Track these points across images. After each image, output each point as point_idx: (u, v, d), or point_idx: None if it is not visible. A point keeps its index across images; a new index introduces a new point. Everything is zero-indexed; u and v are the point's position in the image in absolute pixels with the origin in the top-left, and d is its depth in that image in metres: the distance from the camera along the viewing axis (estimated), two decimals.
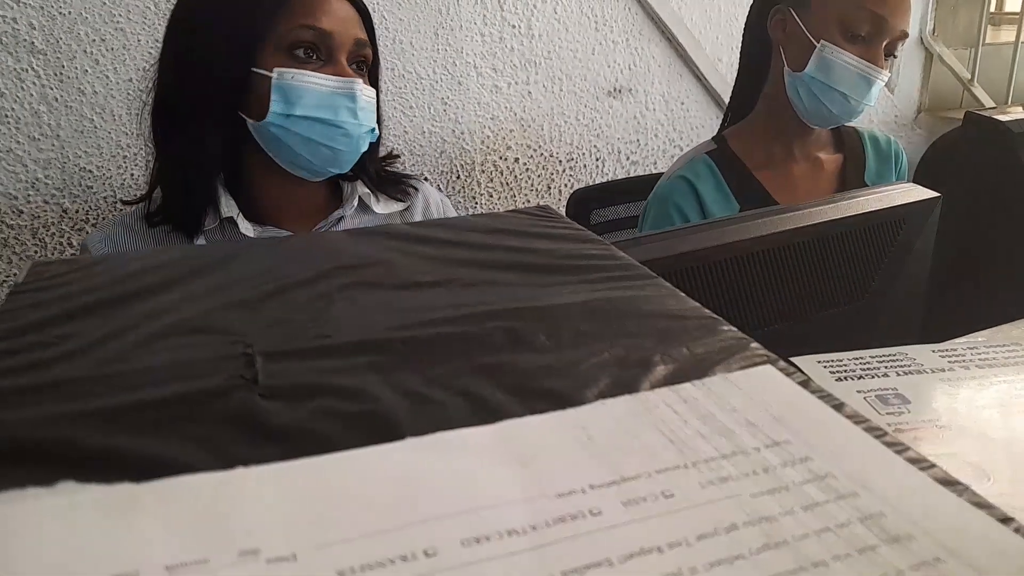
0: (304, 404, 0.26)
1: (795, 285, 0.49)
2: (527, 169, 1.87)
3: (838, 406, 0.26)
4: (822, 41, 0.99)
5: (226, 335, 0.30)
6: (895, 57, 1.02)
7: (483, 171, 1.81)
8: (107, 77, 1.38)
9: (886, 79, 1.00)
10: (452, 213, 1.07)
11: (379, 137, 0.98)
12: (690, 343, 0.30)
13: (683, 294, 0.35)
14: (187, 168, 0.86)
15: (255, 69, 0.82)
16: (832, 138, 1.13)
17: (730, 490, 0.22)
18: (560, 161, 1.91)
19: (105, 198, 1.42)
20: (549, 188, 1.92)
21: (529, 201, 1.89)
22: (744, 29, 1.14)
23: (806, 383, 0.28)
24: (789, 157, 1.09)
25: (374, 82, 0.93)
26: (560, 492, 0.22)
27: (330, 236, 0.41)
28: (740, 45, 1.14)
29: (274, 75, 0.81)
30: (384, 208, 0.99)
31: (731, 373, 0.28)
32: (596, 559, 0.20)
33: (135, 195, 1.03)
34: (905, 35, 0.99)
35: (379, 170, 1.00)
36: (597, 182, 1.94)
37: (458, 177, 1.79)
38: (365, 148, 0.89)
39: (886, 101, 2.37)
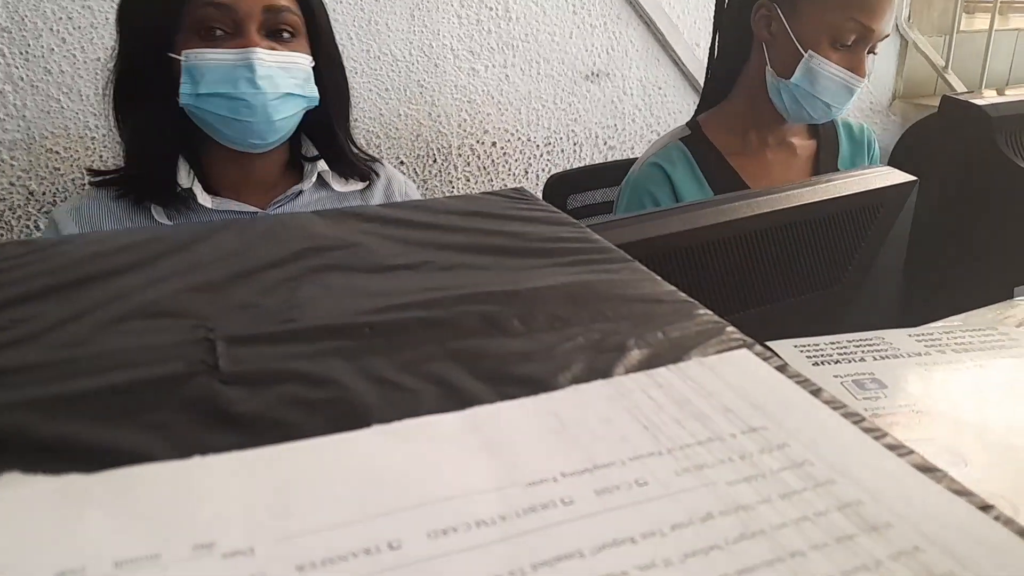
0: (267, 390, 0.25)
1: (771, 269, 0.49)
2: (504, 153, 1.86)
3: (815, 391, 0.26)
4: (810, 52, 0.99)
5: (188, 319, 0.29)
6: (875, 54, 1.02)
7: (460, 155, 1.80)
8: (74, 56, 1.35)
9: (862, 84, 1.01)
10: (415, 195, 1.07)
11: (342, 106, 0.97)
12: (665, 327, 0.30)
13: (659, 277, 0.34)
14: (137, 149, 0.90)
15: (171, 55, 0.84)
16: (806, 125, 1.13)
17: (706, 478, 0.22)
18: (537, 145, 1.90)
19: (73, 180, 1.40)
20: (526, 172, 1.91)
21: (506, 185, 1.87)
22: (721, 13, 1.12)
23: (783, 368, 0.27)
24: (763, 144, 1.09)
25: (317, 47, 0.91)
26: (531, 481, 0.21)
27: (299, 218, 0.40)
28: (713, 27, 1.13)
29: (183, 58, 0.84)
30: (343, 186, 0.99)
31: (707, 357, 0.28)
32: (567, 550, 0.19)
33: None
34: (887, 36, 1.00)
35: (347, 144, 0.99)
36: (574, 167, 1.93)
37: (435, 161, 1.77)
38: (281, 115, 0.87)
39: (861, 88, 2.37)
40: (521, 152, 1.88)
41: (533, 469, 0.22)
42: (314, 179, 0.96)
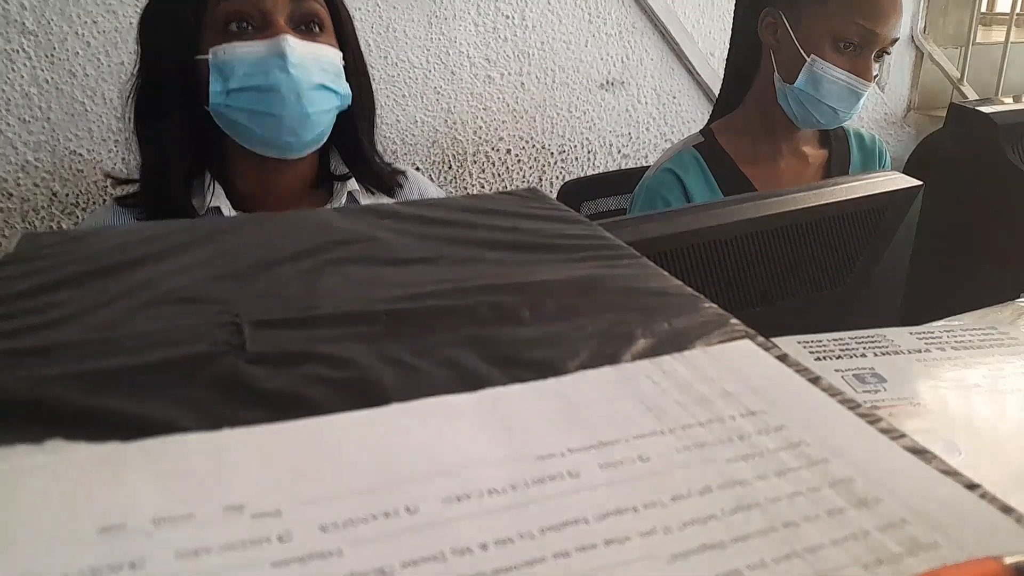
0: (290, 370, 0.26)
1: (777, 269, 0.50)
2: (519, 160, 1.88)
3: (814, 379, 0.27)
4: (812, 56, 1.01)
5: (214, 304, 0.31)
6: (888, 54, 1.03)
7: (475, 162, 1.82)
8: (98, 60, 1.38)
9: (869, 88, 1.02)
10: None
11: (368, 109, 0.95)
12: (671, 318, 0.31)
13: (666, 273, 0.35)
14: (155, 163, 0.87)
15: (199, 56, 0.82)
16: (818, 134, 1.15)
17: (705, 455, 0.23)
18: (552, 153, 1.92)
19: (95, 182, 1.42)
20: (540, 180, 1.92)
21: None
22: (733, 25, 1.14)
23: (783, 357, 0.28)
24: (776, 152, 1.10)
25: (343, 44, 0.89)
26: (540, 455, 0.23)
27: (319, 213, 0.42)
28: (729, 39, 1.15)
29: (210, 56, 0.81)
30: (373, 202, 0.96)
31: (710, 347, 0.29)
32: (573, 517, 0.20)
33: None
34: (896, 40, 1.01)
35: (372, 150, 0.97)
36: (588, 174, 1.95)
37: (450, 167, 1.79)
38: (314, 107, 0.84)
39: (876, 99, 2.38)
40: (535, 159, 1.90)
41: (542, 445, 0.23)
42: (343, 200, 0.93)
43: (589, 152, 1.97)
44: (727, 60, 1.15)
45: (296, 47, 0.82)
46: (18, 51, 1.32)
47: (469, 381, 0.26)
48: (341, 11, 0.90)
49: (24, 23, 1.31)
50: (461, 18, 1.71)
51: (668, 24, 1.93)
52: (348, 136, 0.94)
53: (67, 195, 1.41)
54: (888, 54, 1.03)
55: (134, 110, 0.88)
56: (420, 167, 1.74)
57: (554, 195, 1.53)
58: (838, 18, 0.99)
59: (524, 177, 1.89)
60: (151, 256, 0.35)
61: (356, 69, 0.91)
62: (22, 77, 1.33)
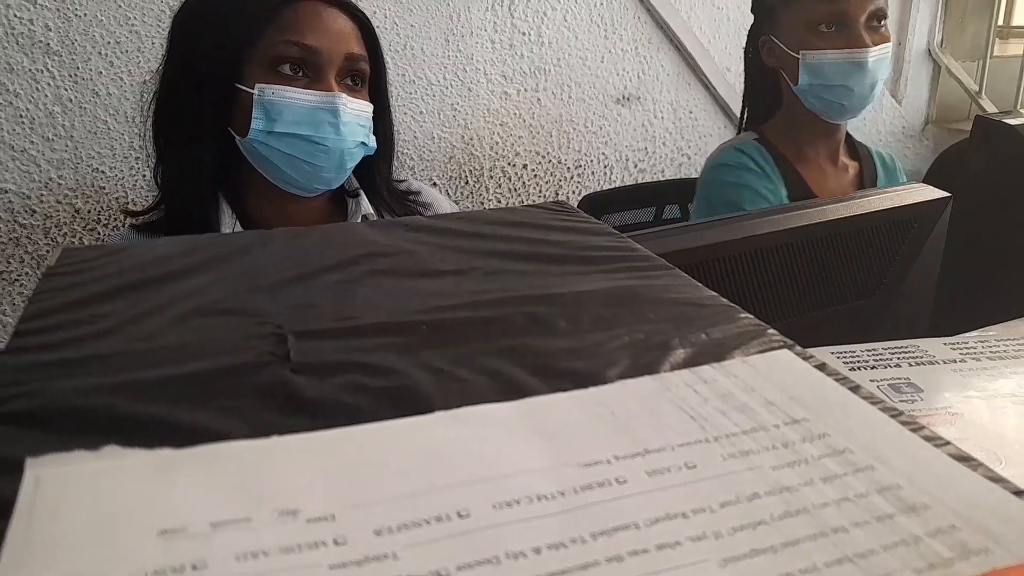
0: (334, 379, 0.27)
1: (808, 281, 0.50)
2: (535, 175, 1.88)
3: (854, 388, 0.27)
4: (800, 52, 1.06)
5: (255, 316, 0.31)
6: (884, 29, 1.06)
7: (491, 177, 1.82)
8: (121, 79, 1.40)
9: (878, 53, 1.04)
10: None
11: (388, 152, 0.96)
12: (708, 329, 0.31)
13: (700, 284, 0.36)
14: (179, 180, 0.87)
15: (239, 85, 0.82)
16: (848, 147, 1.20)
17: (751, 463, 0.23)
18: (568, 168, 1.92)
19: (117, 199, 1.44)
20: (557, 194, 1.93)
21: None
22: (745, 60, 1.20)
23: (822, 366, 0.28)
24: (818, 155, 1.15)
25: (377, 97, 0.91)
26: (586, 462, 0.23)
27: (353, 227, 0.42)
28: (744, 72, 1.21)
29: (256, 92, 0.81)
30: None
31: (749, 357, 0.29)
32: (624, 523, 0.20)
33: (146, 196, 1.03)
34: (880, 9, 1.04)
35: (388, 187, 0.98)
36: (605, 189, 1.95)
37: (467, 183, 1.80)
38: (352, 163, 0.88)
39: (894, 112, 2.38)
40: (552, 174, 1.90)
41: (587, 452, 0.23)
42: (359, 221, 0.93)
43: (605, 167, 1.97)
44: (746, 97, 1.21)
45: (348, 106, 0.84)
46: (42, 71, 1.34)
47: (508, 390, 0.27)
48: (382, 68, 0.91)
49: (49, 43, 1.33)
50: (478, 35, 1.72)
51: (684, 39, 1.94)
52: (365, 173, 0.96)
53: (89, 211, 1.43)
54: (884, 29, 1.05)
55: (157, 125, 0.88)
56: (437, 182, 1.75)
57: None
58: (807, 8, 1.04)
59: (540, 192, 1.90)
60: (190, 268, 0.35)
61: (382, 117, 0.93)
62: (46, 96, 1.35)
